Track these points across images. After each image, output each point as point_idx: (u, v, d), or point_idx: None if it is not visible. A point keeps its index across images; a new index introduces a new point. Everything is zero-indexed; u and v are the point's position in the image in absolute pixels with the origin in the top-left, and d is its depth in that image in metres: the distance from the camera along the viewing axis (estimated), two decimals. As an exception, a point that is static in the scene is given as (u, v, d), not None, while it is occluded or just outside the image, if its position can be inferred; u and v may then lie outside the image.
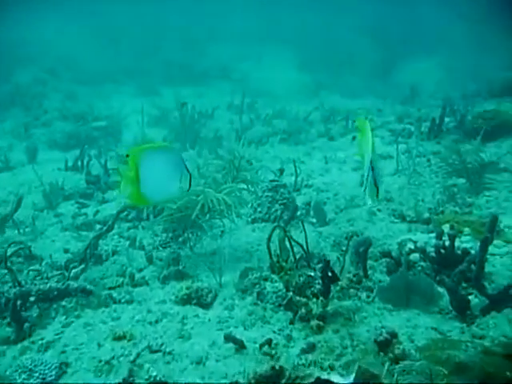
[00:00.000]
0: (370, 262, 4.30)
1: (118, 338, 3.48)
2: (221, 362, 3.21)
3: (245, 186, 4.77)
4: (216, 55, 19.33)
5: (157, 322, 3.68)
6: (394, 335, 3.19)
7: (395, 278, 3.76)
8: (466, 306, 3.50)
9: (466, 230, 4.46)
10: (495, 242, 3.98)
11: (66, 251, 5.29)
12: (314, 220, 5.54)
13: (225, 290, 4.06)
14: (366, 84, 15.74)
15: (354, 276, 3.74)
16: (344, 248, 4.78)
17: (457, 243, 4.02)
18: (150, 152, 2.99)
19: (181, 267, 4.59)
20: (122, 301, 4.04)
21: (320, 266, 3.61)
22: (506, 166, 6.09)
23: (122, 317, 3.79)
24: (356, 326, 3.43)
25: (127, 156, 2.90)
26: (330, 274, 3.41)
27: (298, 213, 5.79)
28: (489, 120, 7.52)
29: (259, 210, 5.57)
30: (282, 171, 6.69)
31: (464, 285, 3.76)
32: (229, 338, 3.28)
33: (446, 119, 8.28)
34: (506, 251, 4.14)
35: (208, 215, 4.69)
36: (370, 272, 4.19)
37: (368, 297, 3.86)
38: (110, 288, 4.29)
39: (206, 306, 3.87)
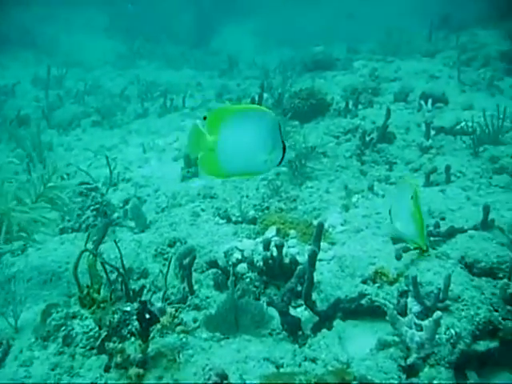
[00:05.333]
0: (195, 275, 3.92)
1: None
2: None
3: (49, 207, 3.95)
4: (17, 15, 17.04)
5: None
6: (224, 377, 2.84)
7: (222, 304, 3.42)
8: (298, 327, 3.29)
9: (292, 232, 4.27)
10: (321, 244, 3.80)
11: None
12: (133, 224, 4.98)
13: (23, 337, 3.32)
14: (185, 52, 15.15)
15: (176, 311, 3.28)
16: (167, 256, 4.34)
17: (284, 249, 3.80)
18: (235, 115, 2.37)
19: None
20: None
21: (136, 307, 3.09)
22: (324, 151, 6.05)
23: None
24: (182, 368, 2.99)
25: (204, 118, 2.37)
26: (148, 316, 2.91)
27: (116, 215, 5.19)
28: (304, 100, 7.47)
29: (67, 218, 4.80)
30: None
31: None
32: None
33: (265, 95, 8.10)
34: (332, 255, 4.01)
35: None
36: (196, 287, 3.81)
37: (195, 321, 3.48)
38: None
39: (-4, 364, 3.13)
